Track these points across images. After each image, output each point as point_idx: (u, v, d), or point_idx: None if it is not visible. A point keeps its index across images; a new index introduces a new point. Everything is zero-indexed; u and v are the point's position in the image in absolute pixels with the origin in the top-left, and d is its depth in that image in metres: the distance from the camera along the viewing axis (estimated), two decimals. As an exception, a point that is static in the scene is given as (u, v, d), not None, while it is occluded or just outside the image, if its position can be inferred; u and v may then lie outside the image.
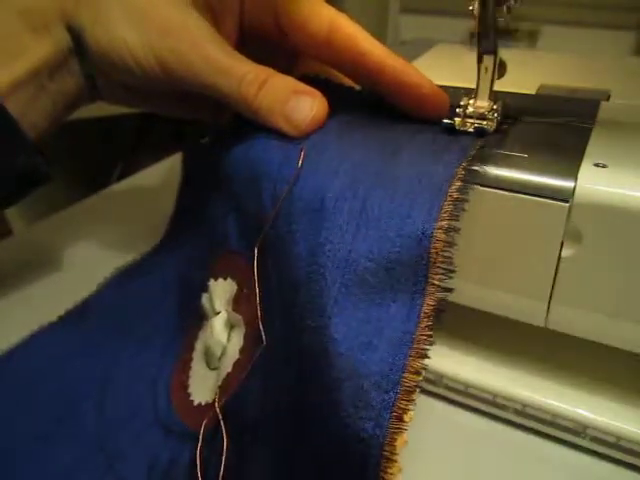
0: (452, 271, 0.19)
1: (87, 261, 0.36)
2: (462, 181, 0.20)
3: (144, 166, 0.50)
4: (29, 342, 0.29)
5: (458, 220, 0.19)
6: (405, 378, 0.18)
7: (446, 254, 0.19)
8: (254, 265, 0.23)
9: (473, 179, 0.21)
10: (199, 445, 0.21)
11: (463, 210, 0.20)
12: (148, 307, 0.30)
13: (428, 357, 0.18)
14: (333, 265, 0.20)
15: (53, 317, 0.30)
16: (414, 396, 0.18)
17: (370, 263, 0.19)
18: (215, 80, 0.25)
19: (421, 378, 0.18)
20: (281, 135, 0.25)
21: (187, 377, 0.26)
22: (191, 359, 0.26)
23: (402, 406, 0.18)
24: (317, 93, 0.25)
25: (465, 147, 0.22)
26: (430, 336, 0.18)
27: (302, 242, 0.21)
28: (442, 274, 0.19)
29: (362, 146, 0.23)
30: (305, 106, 0.24)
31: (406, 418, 0.18)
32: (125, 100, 0.32)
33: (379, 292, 0.19)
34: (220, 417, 0.21)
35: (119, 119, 0.59)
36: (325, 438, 0.19)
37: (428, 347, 0.18)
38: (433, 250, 0.19)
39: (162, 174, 0.48)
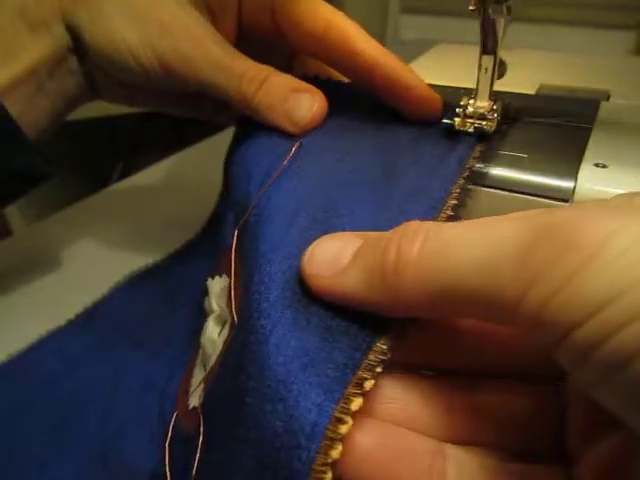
0: None
1: (87, 261, 0.36)
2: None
3: (144, 166, 0.50)
4: (37, 346, 0.28)
5: None
6: (329, 429, 0.14)
7: None
8: (232, 249, 0.22)
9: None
10: (167, 440, 0.21)
11: None
12: (161, 317, 0.30)
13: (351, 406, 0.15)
14: (282, 280, 0.18)
15: (53, 317, 0.30)
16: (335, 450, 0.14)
17: None
18: (216, 78, 0.26)
19: (346, 429, 0.14)
20: (281, 133, 0.25)
21: (189, 384, 0.25)
22: (194, 365, 0.26)
23: (322, 460, 0.14)
24: (317, 91, 0.25)
25: (451, 177, 0.21)
26: (374, 377, 0.15)
27: (266, 243, 0.20)
28: None
29: (353, 161, 0.23)
30: (305, 103, 0.25)
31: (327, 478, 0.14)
32: (124, 99, 0.31)
33: (330, 317, 0.17)
34: (199, 412, 0.20)
35: (119, 119, 0.59)
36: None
37: (360, 391, 0.15)
38: None
39: (162, 174, 0.48)
